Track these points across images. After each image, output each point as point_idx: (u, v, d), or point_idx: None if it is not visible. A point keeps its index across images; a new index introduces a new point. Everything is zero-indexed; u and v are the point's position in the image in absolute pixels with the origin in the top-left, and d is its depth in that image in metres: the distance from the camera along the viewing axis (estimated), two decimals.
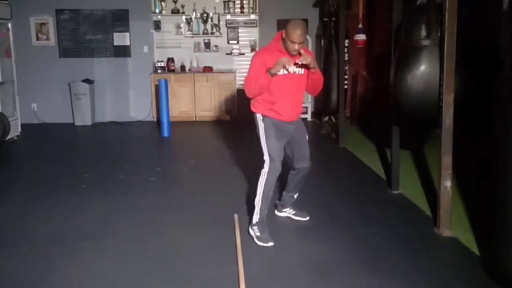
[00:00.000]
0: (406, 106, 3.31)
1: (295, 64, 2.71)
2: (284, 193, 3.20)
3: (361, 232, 3.00)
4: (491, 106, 2.45)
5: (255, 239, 2.82)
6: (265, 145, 2.83)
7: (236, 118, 7.33)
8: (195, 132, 6.80)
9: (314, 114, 7.41)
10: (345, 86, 5.97)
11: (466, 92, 3.26)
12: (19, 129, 6.29)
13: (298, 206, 3.24)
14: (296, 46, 2.67)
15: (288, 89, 2.80)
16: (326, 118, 6.51)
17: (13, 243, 2.91)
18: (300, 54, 2.69)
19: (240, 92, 7.35)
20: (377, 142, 5.47)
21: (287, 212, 3.23)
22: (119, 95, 7.47)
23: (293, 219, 3.20)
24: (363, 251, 2.72)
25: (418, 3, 3.30)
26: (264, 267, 2.56)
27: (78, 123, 7.20)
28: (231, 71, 7.44)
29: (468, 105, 3.66)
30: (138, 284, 2.40)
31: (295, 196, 3.19)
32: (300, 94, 2.90)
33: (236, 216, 3.21)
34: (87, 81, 7.18)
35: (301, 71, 2.81)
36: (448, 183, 2.91)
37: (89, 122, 7.20)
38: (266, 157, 2.82)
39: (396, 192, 3.78)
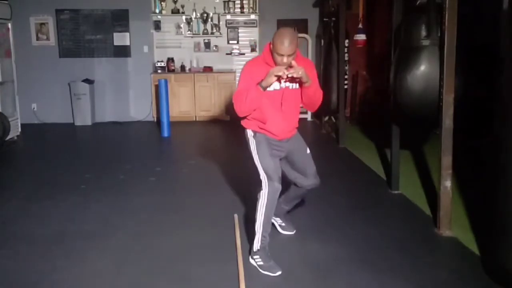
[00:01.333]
0: (406, 106, 3.31)
1: (286, 77, 2.35)
2: (280, 200, 2.80)
3: (361, 232, 3.00)
4: (491, 106, 2.44)
5: (259, 269, 2.50)
6: (259, 164, 2.51)
7: (236, 118, 7.32)
8: (195, 132, 6.80)
9: (314, 114, 7.41)
10: (345, 86, 5.97)
11: (466, 92, 3.25)
12: (19, 129, 6.29)
13: (288, 218, 3.03)
14: (285, 59, 2.32)
15: (280, 106, 2.49)
16: (326, 118, 6.51)
17: (13, 242, 2.91)
18: (291, 67, 2.34)
19: None
20: (377, 142, 5.47)
21: (277, 223, 2.97)
22: (119, 95, 7.47)
23: (278, 231, 2.96)
24: (363, 251, 2.72)
25: (418, 3, 3.30)
26: None
27: (78, 123, 7.20)
28: (231, 71, 7.44)
29: (468, 105, 3.66)
30: (138, 284, 2.40)
31: (287, 209, 2.94)
32: (295, 110, 2.58)
33: (236, 216, 3.21)
34: (87, 81, 7.18)
35: (295, 85, 2.49)
36: (448, 183, 2.91)
37: (89, 122, 7.21)
38: (262, 177, 2.49)
39: (396, 192, 3.78)
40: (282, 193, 2.76)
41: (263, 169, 2.50)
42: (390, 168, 3.83)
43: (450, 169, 2.91)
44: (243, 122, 2.64)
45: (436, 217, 3.01)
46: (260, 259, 2.52)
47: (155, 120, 7.33)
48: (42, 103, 7.34)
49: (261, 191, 2.50)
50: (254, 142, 2.57)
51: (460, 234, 2.92)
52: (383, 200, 3.65)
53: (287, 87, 2.49)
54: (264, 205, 2.49)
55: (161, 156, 5.54)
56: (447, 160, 2.90)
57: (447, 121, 2.86)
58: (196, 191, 3.94)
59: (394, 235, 2.95)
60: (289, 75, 2.33)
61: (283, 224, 3.00)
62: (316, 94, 2.53)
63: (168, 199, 3.75)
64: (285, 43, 2.30)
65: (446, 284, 2.37)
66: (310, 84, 2.43)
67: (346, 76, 6.02)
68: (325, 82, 6.23)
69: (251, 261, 2.57)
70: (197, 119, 7.40)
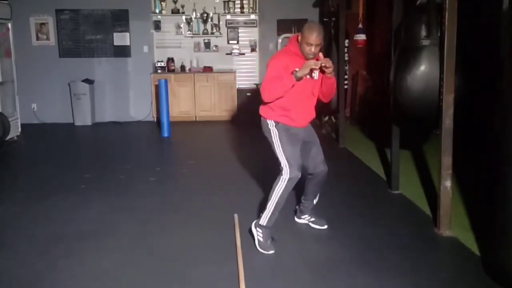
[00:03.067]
0: (406, 106, 3.31)
1: (319, 67, 2.64)
2: (302, 199, 3.07)
3: (361, 232, 3.00)
4: (491, 105, 2.45)
5: (256, 244, 2.74)
6: (281, 152, 2.71)
7: (236, 118, 7.33)
8: (195, 132, 6.80)
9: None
10: (345, 86, 5.97)
11: (466, 92, 3.25)
12: (19, 129, 6.29)
13: (317, 213, 3.12)
14: (313, 49, 2.60)
15: (304, 95, 2.73)
16: (326, 118, 6.51)
17: (13, 243, 2.91)
18: (318, 58, 2.64)
19: (240, 92, 7.36)
20: (377, 142, 5.47)
21: (306, 219, 3.11)
22: (119, 95, 7.47)
23: (311, 226, 3.08)
24: (363, 251, 2.72)
25: (418, 3, 3.30)
26: (264, 267, 2.56)
27: (78, 123, 7.20)
28: (231, 71, 7.44)
29: (468, 104, 3.66)
30: (138, 284, 2.40)
31: (315, 201, 3.07)
32: (314, 99, 2.83)
33: (236, 216, 3.21)
34: (87, 81, 7.18)
35: (317, 76, 2.74)
36: (448, 183, 2.91)
37: (89, 122, 7.20)
38: (284, 164, 2.68)
39: (396, 192, 3.78)
40: (299, 197, 3.11)
41: (285, 157, 2.69)
42: (390, 168, 3.83)
43: (450, 169, 2.91)
44: (263, 113, 2.81)
45: (436, 217, 3.01)
46: (261, 234, 2.74)
47: (155, 120, 7.33)
48: (42, 103, 7.34)
49: (281, 176, 2.68)
50: (276, 131, 2.75)
51: (460, 234, 2.91)
52: (383, 200, 3.65)
53: (312, 77, 2.72)
54: (282, 188, 2.68)
55: (161, 156, 5.54)
56: (447, 160, 2.90)
57: (447, 121, 2.86)
58: (196, 191, 3.94)
59: (394, 235, 2.95)
60: (322, 64, 2.60)
61: (313, 219, 3.10)
62: (334, 84, 2.80)
63: (168, 199, 3.75)
64: (315, 33, 2.58)
65: (446, 284, 2.37)
66: (332, 74, 2.71)
67: (346, 76, 6.03)
68: None
69: (253, 230, 2.78)
70: (197, 119, 7.40)
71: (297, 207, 3.18)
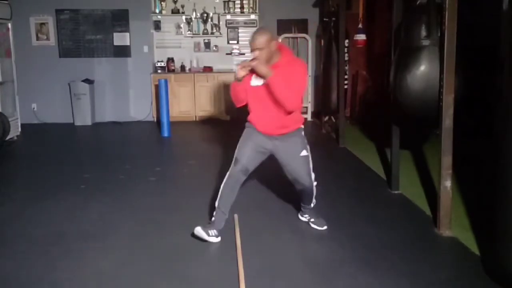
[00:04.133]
0: (406, 106, 3.30)
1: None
2: (301, 202, 3.07)
3: (361, 232, 3.00)
4: (491, 106, 2.45)
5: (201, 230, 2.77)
6: (237, 147, 2.77)
7: (236, 118, 7.33)
8: (195, 132, 6.79)
9: (314, 114, 7.41)
10: (345, 86, 5.98)
11: (466, 92, 3.25)
12: (19, 129, 6.29)
13: (317, 214, 3.09)
14: (257, 53, 2.58)
15: (258, 101, 2.69)
16: (326, 118, 6.51)
17: (13, 243, 2.90)
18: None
19: None
20: (377, 142, 5.47)
21: (307, 218, 3.11)
22: (119, 95, 7.47)
23: (311, 226, 3.07)
24: (363, 251, 2.72)
25: (418, 3, 3.29)
26: (264, 267, 2.56)
27: (78, 123, 7.20)
28: (231, 71, 7.43)
29: (468, 105, 3.67)
30: (138, 284, 2.40)
31: (312, 205, 3.03)
32: (279, 109, 2.64)
33: (236, 216, 3.21)
34: (87, 81, 7.18)
35: (260, 82, 2.65)
36: (448, 183, 2.91)
37: (89, 122, 7.20)
38: (233, 160, 2.76)
39: (396, 192, 3.78)
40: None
41: (235, 153, 2.75)
42: (390, 168, 3.83)
43: (450, 169, 2.90)
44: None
45: (436, 217, 3.01)
46: (214, 215, 2.80)
47: (155, 120, 7.33)
48: (42, 103, 7.34)
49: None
50: (245, 129, 2.84)
51: (460, 234, 2.91)
52: (383, 200, 3.64)
53: (258, 85, 2.68)
54: (223, 183, 2.75)
55: (161, 156, 5.54)
56: (447, 160, 2.89)
57: (447, 121, 2.86)
58: (196, 191, 3.94)
59: (394, 235, 2.95)
60: (246, 66, 2.59)
61: (313, 219, 3.08)
62: (282, 92, 2.58)
63: (168, 199, 3.75)
64: (253, 38, 2.60)
65: (446, 284, 2.36)
66: (268, 78, 2.57)
67: (346, 76, 6.03)
68: (325, 82, 6.23)
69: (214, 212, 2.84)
70: (197, 119, 7.40)
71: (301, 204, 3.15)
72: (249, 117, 2.81)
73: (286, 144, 2.76)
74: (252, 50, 2.60)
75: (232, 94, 2.76)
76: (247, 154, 2.73)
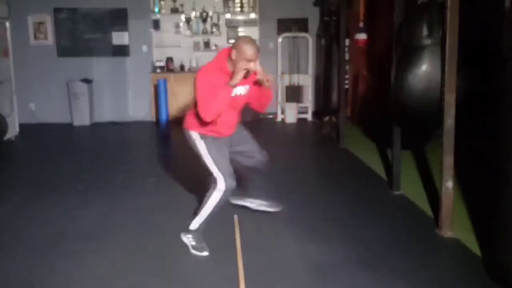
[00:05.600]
0: (408, 106, 3.29)
1: (254, 81, 2.62)
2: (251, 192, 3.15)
3: (361, 233, 2.98)
4: (492, 105, 2.44)
5: (190, 248, 2.72)
6: (213, 164, 2.66)
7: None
8: None
9: (314, 114, 7.39)
10: (346, 86, 5.95)
11: (468, 92, 3.24)
12: (17, 129, 6.25)
13: (267, 197, 3.18)
14: (252, 64, 2.51)
15: (231, 109, 2.68)
16: (327, 118, 6.49)
17: (11, 244, 2.88)
18: (255, 73, 2.55)
19: None
20: (378, 142, 5.45)
21: (252, 202, 3.17)
22: (118, 95, 7.43)
23: (265, 210, 3.14)
24: (363, 252, 2.70)
25: (419, 2, 3.28)
26: (264, 267, 2.54)
27: (76, 123, 7.16)
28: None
29: (470, 104, 3.65)
30: (138, 284, 2.38)
31: (260, 193, 3.13)
32: (239, 112, 2.82)
33: (236, 216, 3.19)
34: (86, 80, 7.14)
35: (244, 92, 2.68)
36: (450, 184, 2.89)
37: (87, 122, 7.17)
38: (217, 175, 2.65)
39: (397, 192, 3.76)
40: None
41: (218, 168, 2.66)
42: (391, 169, 3.81)
43: (451, 170, 2.89)
44: (188, 125, 2.76)
45: (437, 218, 2.99)
46: (193, 239, 2.73)
47: (154, 120, 7.30)
48: (40, 102, 7.30)
49: (216, 187, 2.65)
50: (203, 143, 2.71)
51: (462, 235, 2.89)
52: (384, 201, 3.62)
53: (241, 94, 2.67)
54: (218, 199, 2.66)
55: (160, 156, 5.52)
56: (448, 160, 2.88)
57: (449, 121, 2.84)
58: (196, 191, 3.91)
59: (395, 236, 2.93)
60: (260, 77, 2.56)
61: (266, 203, 3.16)
62: (272, 95, 2.79)
63: (168, 199, 3.73)
64: (254, 48, 2.51)
65: (448, 285, 2.35)
66: (271, 85, 2.66)
67: (346, 76, 6.00)
68: (325, 81, 6.21)
69: (184, 238, 2.77)
70: None
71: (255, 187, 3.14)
72: (208, 129, 2.67)
73: (236, 132, 2.88)
74: (251, 61, 2.50)
75: (220, 104, 2.51)
76: (227, 161, 2.72)
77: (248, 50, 2.48)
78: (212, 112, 2.53)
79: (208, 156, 2.68)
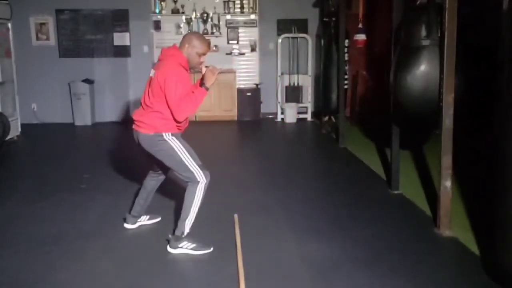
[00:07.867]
0: (406, 106, 3.30)
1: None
2: (140, 201, 3.07)
3: (361, 232, 2.99)
4: (491, 105, 2.45)
5: (193, 252, 2.66)
6: (189, 160, 2.65)
7: (236, 118, 7.32)
8: (194, 132, 6.76)
9: (314, 114, 7.41)
10: (345, 86, 5.97)
11: (466, 92, 3.25)
12: (19, 129, 6.28)
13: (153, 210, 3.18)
14: (203, 59, 2.64)
15: None
16: (326, 118, 6.51)
17: (12, 243, 2.90)
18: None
19: (240, 92, 7.35)
20: (377, 142, 5.46)
21: (142, 221, 3.12)
22: (119, 95, 7.46)
23: (148, 224, 3.11)
24: (363, 251, 2.72)
25: (418, 2, 3.30)
26: (264, 267, 2.56)
27: (78, 123, 7.19)
28: (231, 71, 7.43)
29: (468, 104, 3.66)
30: (137, 284, 2.40)
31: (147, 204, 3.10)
32: None
33: (236, 216, 3.21)
34: (87, 81, 7.17)
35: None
36: (448, 183, 2.91)
37: (89, 122, 7.20)
38: (195, 171, 2.64)
39: (396, 192, 3.77)
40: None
41: (195, 164, 2.66)
42: (390, 168, 3.83)
43: (450, 169, 2.90)
44: (159, 128, 2.66)
45: (436, 217, 3.01)
46: (189, 243, 2.67)
47: None
48: (42, 103, 7.33)
49: (197, 183, 2.65)
50: (176, 142, 2.68)
51: (460, 234, 2.91)
52: (383, 200, 3.64)
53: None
54: (201, 194, 2.66)
55: None
56: (447, 159, 2.89)
57: (447, 121, 2.86)
58: None
59: (394, 235, 2.95)
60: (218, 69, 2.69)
61: (148, 216, 3.15)
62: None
63: (168, 199, 3.75)
64: (208, 43, 2.62)
65: (446, 284, 2.36)
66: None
67: (346, 76, 6.02)
68: (325, 82, 6.23)
69: (178, 250, 2.67)
70: (197, 119, 7.39)
71: (128, 214, 3.09)
72: (176, 126, 2.68)
73: None
74: (203, 55, 2.65)
75: (196, 106, 2.60)
76: (195, 154, 2.73)
77: (202, 44, 2.64)
78: (190, 113, 2.62)
79: (184, 152, 2.67)
